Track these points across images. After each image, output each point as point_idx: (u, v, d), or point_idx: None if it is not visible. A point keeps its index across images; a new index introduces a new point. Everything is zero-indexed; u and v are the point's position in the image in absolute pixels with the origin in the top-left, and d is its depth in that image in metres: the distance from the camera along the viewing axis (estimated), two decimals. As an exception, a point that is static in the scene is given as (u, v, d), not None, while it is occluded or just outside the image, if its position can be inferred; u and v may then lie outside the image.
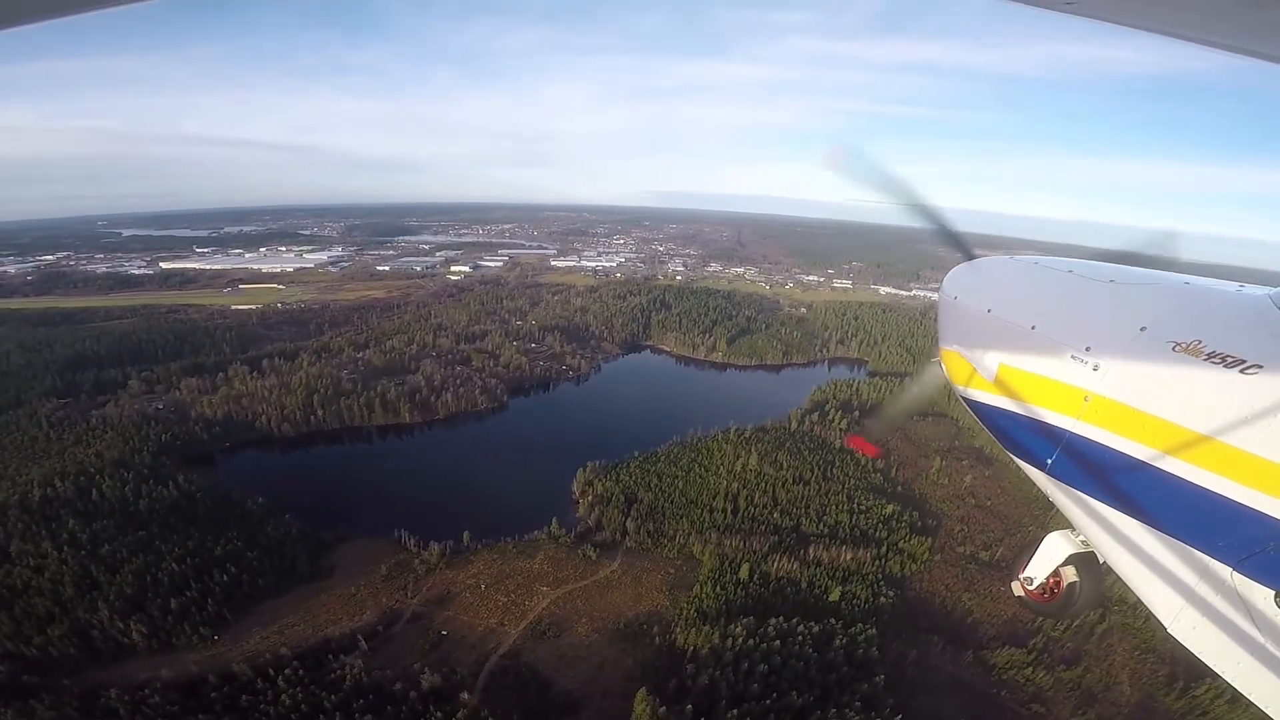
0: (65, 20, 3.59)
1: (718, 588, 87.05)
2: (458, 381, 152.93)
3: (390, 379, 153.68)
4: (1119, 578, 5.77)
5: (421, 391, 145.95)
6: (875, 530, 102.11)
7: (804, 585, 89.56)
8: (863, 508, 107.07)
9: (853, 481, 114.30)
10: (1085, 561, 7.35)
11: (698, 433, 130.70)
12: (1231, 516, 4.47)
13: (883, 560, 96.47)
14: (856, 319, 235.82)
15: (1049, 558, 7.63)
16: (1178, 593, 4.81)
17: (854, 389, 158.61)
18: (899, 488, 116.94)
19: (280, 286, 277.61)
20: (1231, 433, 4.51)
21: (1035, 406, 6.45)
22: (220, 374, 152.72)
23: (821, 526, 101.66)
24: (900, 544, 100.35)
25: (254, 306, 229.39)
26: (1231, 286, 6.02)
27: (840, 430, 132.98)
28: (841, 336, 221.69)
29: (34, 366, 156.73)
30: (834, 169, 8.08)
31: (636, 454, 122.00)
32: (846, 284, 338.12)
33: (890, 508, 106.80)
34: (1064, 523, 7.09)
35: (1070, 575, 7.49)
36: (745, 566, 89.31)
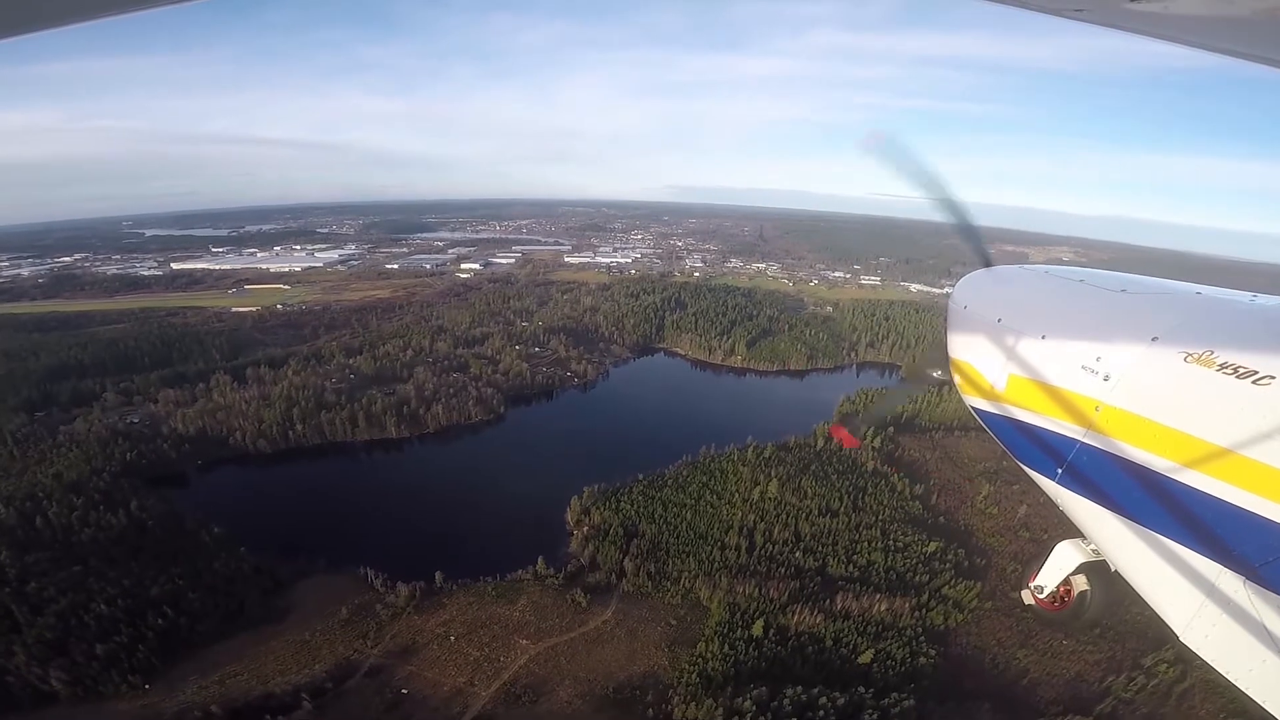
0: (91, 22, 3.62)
1: (726, 646, 73.96)
2: (451, 391, 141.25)
3: (380, 388, 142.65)
4: (1131, 586, 5.74)
5: (410, 403, 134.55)
6: (914, 573, 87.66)
7: (829, 643, 76.00)
8: (899, 544, 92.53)
9: (888, 512, 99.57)
10: (1096, 570, 7.10)
11: (711, 451, 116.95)
12: (1244, 525, 4.44)
13: (923, 611, 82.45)
14: (887, 319, 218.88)
15: (1059, 566, 7.32)
16: (1190, 601, 4.78)
17: (886, 398, 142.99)
18: (941, 519, 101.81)
19: (286, 287, 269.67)
20: (1244, 443, 4.47)
21: (1046, 416, 6.41)
22: (201, 384, 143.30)
23: (851, 568, 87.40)
24: (944, 590, 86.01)
25: (253, 309, 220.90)
26: (1244, 296, 5.97)
27: (873, 449, 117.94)
28: (871, 339, 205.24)
29: (14, 377, 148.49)
30: (872, 154, 7.66)
31: (641, 476, 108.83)
32: (874, 281, 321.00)
33: (932, 545, 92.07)
34: (1074, 531, 6.77)
35: (1081, 584, 7.30)
36: (759, 622, 75.68)
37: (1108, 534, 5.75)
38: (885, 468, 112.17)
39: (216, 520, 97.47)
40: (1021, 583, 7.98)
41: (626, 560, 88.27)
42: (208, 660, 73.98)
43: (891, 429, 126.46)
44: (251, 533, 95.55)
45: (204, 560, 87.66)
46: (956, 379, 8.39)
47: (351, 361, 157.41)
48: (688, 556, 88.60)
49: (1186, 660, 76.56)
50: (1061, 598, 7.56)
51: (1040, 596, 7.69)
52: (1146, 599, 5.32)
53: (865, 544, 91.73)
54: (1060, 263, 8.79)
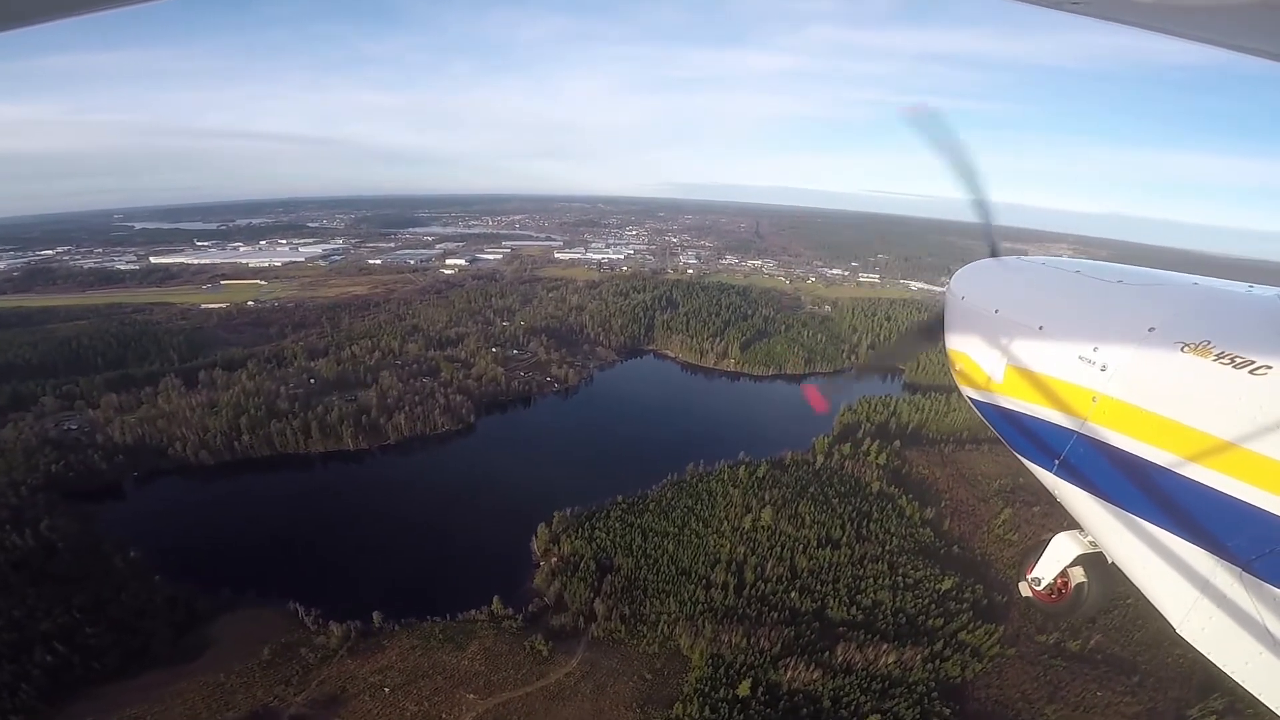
0: (87, 15, 3.64)
1: (707, 708, 63.20)
2: (416, 398, 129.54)
3: (341, 394, 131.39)
4: (1128, 578, 5.76)
5: (371, 411, 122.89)
6: (927, 615, 76.71)
7: (827, 704, 65.31)
8: (909, 580, 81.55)
9: (895, 541, 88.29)
10: (1093, 562, 7.13)
11: (699, 469, 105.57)
12: (1241, 517, 4.42)
13: (937, 661, 71.39)
14: (888, 319, 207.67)
15: (1057, 558, 7.35)
16: (1187, 593, 4.77)
17: (891, 408, 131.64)
18: (955, 548, 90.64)
19: (262, 282, 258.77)
20: (1241, 434, 4.45)
21: (1043, 407, 6.39)
22: (148, 388, 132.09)
23: (854, 611, 76.26)
24: (960, 635, 75.07)
25: (222, 306, 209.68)
26: (1241, 287, 5.94)
27: (878, 466, 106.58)
28: (872, 340, 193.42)
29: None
30: (914, 126, 7.72)
31: (620, 498, 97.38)
32: (873, 278, 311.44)
33: (947, 581, 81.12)
34: (1072, 523, 6.72)
35: (1078, 576, 7.31)
36: (746, 681, 64.44)
37: (1105, 526, 5.72)
38: (892, 488, 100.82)
39: (140, 541, 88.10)
40: (1020, 575, 7.83)
41: (598, 601, 77.06)
42: (106, 700, 65.07)
43: (897, 442, 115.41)
44: (176, 556, 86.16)
45: (112, 589, 77.92)
46: (953, 370, 8.27)
47: (314, 364, 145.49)
48: (668, 596, 77.38)
49: (1238, 711, 67.70)
50: (1059, 590, 7.45)
51: (1038, 589, 7.58)
52: (1143, 591, 5.29)
53: (870, 580, 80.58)
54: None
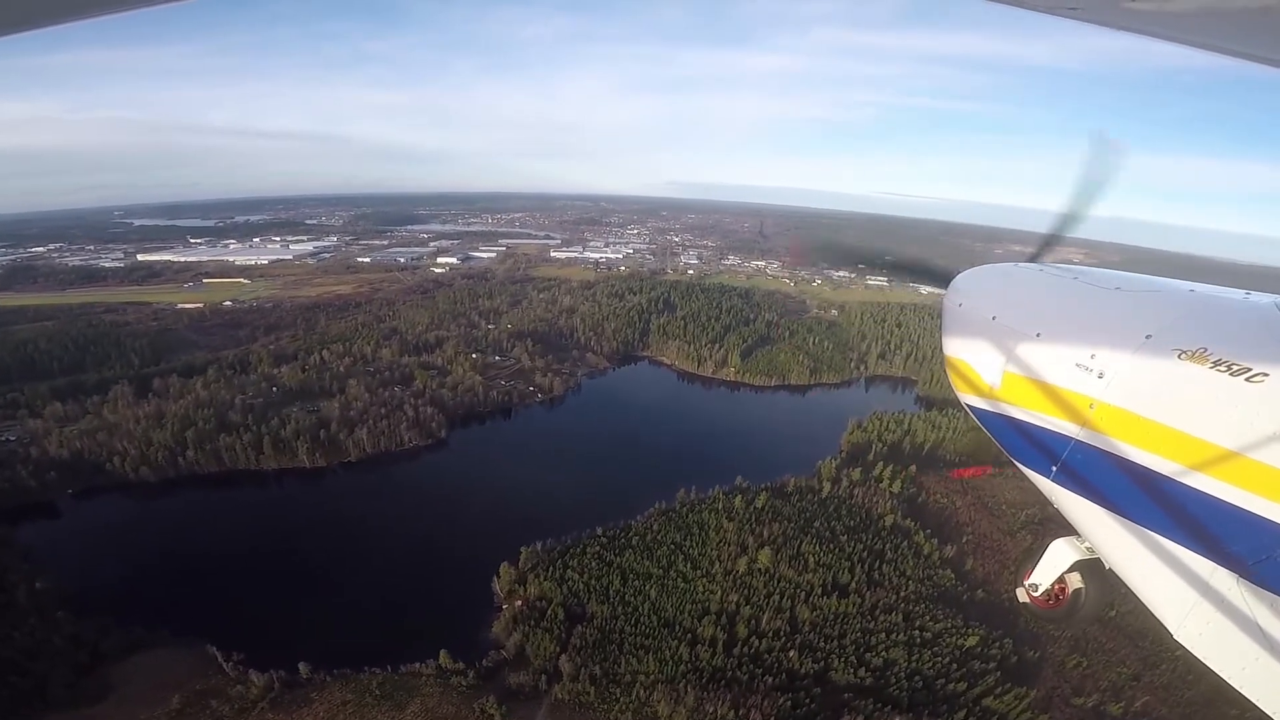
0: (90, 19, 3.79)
1: (688, 801, 51.98)
2: (384, 410, 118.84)
3: (303, 404, 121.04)
4: (1125, 584, 5.76)
5: (332, 425, 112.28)
6: (947, 678, 65.95)
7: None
8: (928, 634, 70.49)
9: (911, 586, 77.16)
10: (1090, 568, 6.96)
11: (690, 496, 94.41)
12: (1238, 523, 4.44)
13: (962, 735, 60.41)
14: (899, 325, 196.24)
15: (1054, 564, 7.18)
16: (1183, 598, 4.80)
17: (904, 425, 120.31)
18: (979, 592, 79.46)
19: (245, 281, 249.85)
20: (1237, 440, 4.47)
21: (1040, 414, 6.36)
22: (96, 396, 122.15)
23: (863, 673, 65.20)
24: (986, 700, 64.38)
25: (196, 306, 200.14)
26: (1238, 294, 5.97)
27: (892, 495, 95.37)
28: (883, 349, 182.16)
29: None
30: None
31: (599, 531, 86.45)
32: (882, 282, 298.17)
33: (972, 637, 70.11)
34: (1069, 529, 6.59)
35: (1075, 581, 7.13)
36: (736, 771, 53.60)
37: (1102, 532, 5.73)
38: (907, 521, 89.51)
39: (57, 568, 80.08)
40: (1018, 582, 7.83)
41: (564, 657, 66.18)
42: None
43: (913, 466, 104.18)
44: (91, 586, 77.43)
45: (5, 625, 68.63)
46: (952, 377, 8.22)
47: (278, 371, 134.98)
48: (647, 653, 66.29)
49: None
50: (1056, 596, 7.35)
51: (1035, 594, 7.49)
52: (1140, 597, 5.29)
53: (882, 635, 69.49)
54: (1070, 264, 7.76)
